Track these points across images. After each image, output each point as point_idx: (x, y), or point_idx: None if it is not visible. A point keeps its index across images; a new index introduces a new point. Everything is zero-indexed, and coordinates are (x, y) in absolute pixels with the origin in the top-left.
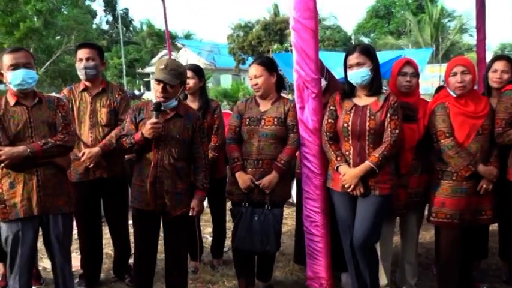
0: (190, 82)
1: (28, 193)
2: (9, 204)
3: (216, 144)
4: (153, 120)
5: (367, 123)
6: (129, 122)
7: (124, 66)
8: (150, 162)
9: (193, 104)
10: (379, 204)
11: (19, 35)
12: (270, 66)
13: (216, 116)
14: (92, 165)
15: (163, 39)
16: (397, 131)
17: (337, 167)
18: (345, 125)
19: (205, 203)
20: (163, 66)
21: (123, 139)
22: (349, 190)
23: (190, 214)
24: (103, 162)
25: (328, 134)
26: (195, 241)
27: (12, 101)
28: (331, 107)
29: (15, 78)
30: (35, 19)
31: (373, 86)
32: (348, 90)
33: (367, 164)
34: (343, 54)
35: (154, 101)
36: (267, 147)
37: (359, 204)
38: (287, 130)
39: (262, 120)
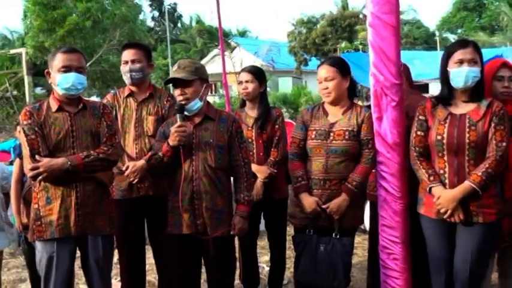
0: (249, 87)
1: (66, 211)
2: (45, 221)
3: (275, 159)
4: (177, 124)
5: (467, 135)
6: (157, 140)
7: (170, 68)
8: (185, 177)
9: (252, 112)
10: (485, 234)
11: (62, 32)
12: (343, 68)
13: (277, 126)
14: (136, 180)
15: (215, 37)
16: (503, 143)
17: (430, 189)
18: (439, 137)
19: (262, 226)
20: (175, 67)
21: (153, 158)
22: (445, 216)
23: (231, 233)
24: (149, 178)
25: (417, 149)
26: (250, 271)
27: (54, 106)
28: (421, 117)
29: (64, 82)
30: (82, 18)
31: (478, 91)
32: (447, 95)
33: (467, 184)
34: (422, 53)
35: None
36: (336, 165)
37: (459, 235)
38: (360, 145)
39: (331, 134)
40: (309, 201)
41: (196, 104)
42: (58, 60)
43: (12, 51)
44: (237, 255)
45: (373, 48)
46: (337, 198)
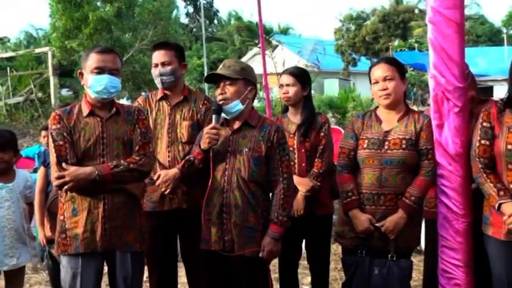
0: (290, 91)
1: (92, 224)
2: (70, 235)
3: (319, 170)
4: (211, 125)
5: None
6: (196, 145)
7: (206, 68)
8: (216, 188)
9: (294, 117)
10: None
11: (88, 30)
12: (401, 68)
13: (322, 134)
14: (168, 191)
15: (255, 34)
16: None
17: (500, 205)
18: (509, 147)
19: (303, 245)
20: (221, 66)
21: (186, 162)
22: None
23: (260, 255)
24: (182, 188)
25: (482, 160)
26: None
27: (86, 110)
28: (485, 124)
29: (96, 84)
30: (107, 9)
31: None
32: None
33: None
34: (485, 49)
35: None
36: (391, 178)
37: None
38: (419, 155)
39: (386, 142)
40: (361, 219)
41: (236, 106)
42: (91, 60)
43: (38, 50)
44: (276, 275)
45: (433, 47)
46: (393, 215)
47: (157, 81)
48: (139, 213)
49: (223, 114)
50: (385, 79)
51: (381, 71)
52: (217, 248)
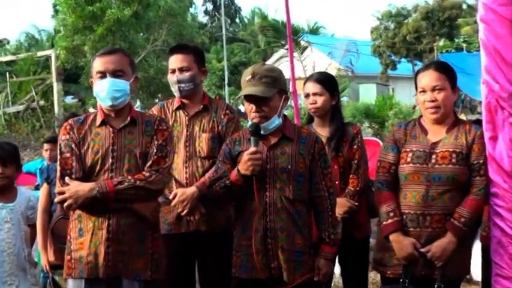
0: (318, 101)
1: (95, 247)
2: (76, 257)
3: (356, 188)
4: (251, 149)
5: None
6: (222, 160)
7: (226, 72)
8: (256, 211)
9: (322, 129)
10: None
11: (101, 30)
12: (453, 75)
13: (355, 146)
14: (185, 212)
15: (281, 34)
16: None
17: None
18: None
19: (337, 270)
20: (249, 76)
21: (216, 184)
22: None
23: (315, 279)
24: (201, 209)
25: None
26: None
27: (99, 119)
28: None
29: (99, 90)
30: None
31: None
32: None
33: None
34: None
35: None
36: (439, 196)
37: None
38: (470, 171)
39: (433, 156)
40: (403, 243)
41: (274, 122)
42: (95, 65)
43: (40, 54)
44: None
45: (485, 49)
46: (440, 239)
47: (175, 89)
48: (152, 237)
49: (262, 132)
50: (433, 89)
51: (429, 79)
52: (264, 276)
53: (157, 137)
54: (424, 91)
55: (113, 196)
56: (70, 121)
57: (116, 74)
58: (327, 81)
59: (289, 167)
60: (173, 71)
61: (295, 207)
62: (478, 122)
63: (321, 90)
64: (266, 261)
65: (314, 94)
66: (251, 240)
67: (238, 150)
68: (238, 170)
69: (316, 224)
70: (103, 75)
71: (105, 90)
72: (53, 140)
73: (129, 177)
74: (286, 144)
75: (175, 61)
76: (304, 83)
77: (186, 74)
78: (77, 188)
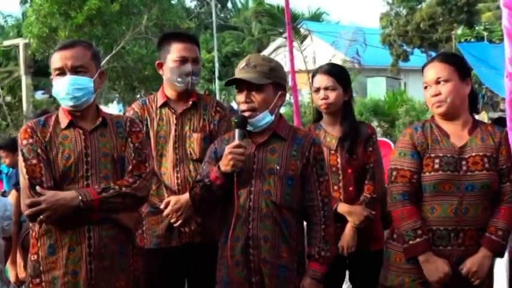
0: (331, 96)
1: (74, 264)
2: (47, 279)
3: (372, 195)
4: (234, 143)
5: None
6: (207, 161)
7: (217, 64)
8: (238, 216)
9: (333, 128)
10: None
11: (81, 20)
12: (462, 67)
13: (370, 149)
14: (179, 222)
15: (279, 21)
16: None
17: None
18: None
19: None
20: (243, 64)
21: (197, 186)
22: None
23: None
24: (197, 219)
25: None
26: None
27: (64, 121)
28: None
29: (57, 90)
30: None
31: None
32: None
33: None
34: None
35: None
36: (472, 208)
37: None
38: (500, 177)
39: (463, 162)
40: (437, 264)
41: (264, 118)
42: (53, 61)
43: (7, 43)
44: None
45: (510, 37)
46: (475, 255)
47: (180, 82)
48: (133, 251)
49: (248, 127)
50: (437, 82)
51: (432, 71)
52: None
53: (132, 139)
54: (428, 85)
55: (98, 205)
56: (29, 123)
57: (76, 70)
58: (339, 74)
59: (277, 167)
60: (184, 60)
61: (283, 214)
62: (500, 122)
63: (334, 84)
64: (246, 275)
65: (325, 88)
66: (232, 249)
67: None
68: (218, 166)
69: (307, 238)
70: (61, 72)
71: (64, 90)
72: (10, 146)
73: (112, 185)
74: (278, 144)
75: (186, 50)
76: (313, 76)
77: (198, 67)
78: (55, 197)
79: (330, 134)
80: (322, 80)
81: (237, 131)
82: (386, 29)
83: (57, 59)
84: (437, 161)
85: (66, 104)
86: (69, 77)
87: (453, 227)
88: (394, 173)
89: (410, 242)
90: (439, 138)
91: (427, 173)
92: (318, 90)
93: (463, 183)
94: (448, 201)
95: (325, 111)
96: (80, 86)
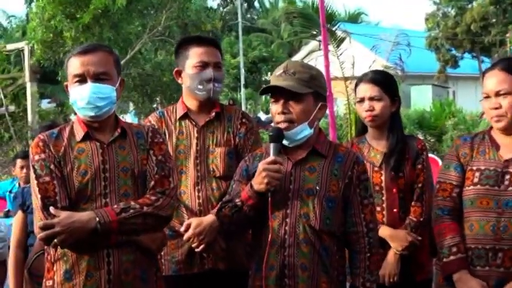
0: (376, 106)
1: None
2: None
3: (419, 219)
4: (269, 158)
5: None
6: (237, 180)
7: (243, 71)
8: (273, 242)
9: (378, 143)
10: None
11: (87, 19)
12: None
13: (420, 166)
14: (202, 247)
15: (312, 22)
16: None
17: None
18: None
19: None
20: (280, 71)
21: (226, 207)
22: None
23: None
24: (221, 243)
25: None
26: None
27: (80, 132)
28: None
29: (77, 98)
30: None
31: None
32: None
33: None
34: None
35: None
36: None
37: None
38: None
39: (507, 177)
40: (470, 285)
41: (303, 131)
42: (71, 66)
43: (10, 47)
44: None
45: None
46: None
47: (204, 89)
48: (157, 275)
49: (284, 141)
50: (498, 94)
51: (493, 82)
52: None
53: (154, 152)
54: (488, 96)
55: (117, 227)
56: (41, 136)
57: (98, 77)
58: (386, 83)
59: (317, 188)
60: (204, 65)
61: (322, 241)
62: None
63: (380, 94)
64: None
65: (370, 98)
66: (266, 278)
67: (258, 167)
68: (251, 184)
69: (350, 267)
70: (82, 79)
71: (85, 99)
72: (28, 155)
73: (133, 203)
74: (317, 162)
75: (207, 54)
76: (356, 85)
77: (220, 72)
78: (70, 219)
79: (374, 149)
80: (366, 90)
81: (272, 145)
82: (433, 31)
83: (77, 65)
84: (477, 174)
85: (85, 114)
86: (90, 85)
87: (491, 246)
88: (437, 186)
89: (445, 259)
90: (486, 150)
91: (467, 187)
92: (362, 100)
93: (502, 198)
94: (485, 217)
95: (370, 123)
96: (103, 94)
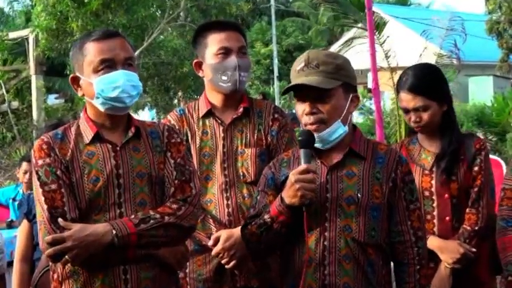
0: (423, 116)
1: None
2: None
3: (474, 228)
4: (301, 167)
5: None
6: (262, 190)
7: (276, 61)
8: (309, 259)
9: (430, 144)
10: None
11: (96, 4)
12: None
13: (477, 168)
14: (232, 263)
15: (353, 7)
16: None
17: None
18: None
19: None
20: (302, 64)
21: (252, 223)
22: None
23: None
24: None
25: None
26: None
27: (89, 133)
28: None
29: (109, 86)
30: None
31: None
32: None
33: None
34: None
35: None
36: None
37: None
38: None
39: None
40: None
41: (337, 130)
42: (91, 53)
43: (13, 35)
44: None
45: None
46: None
47: (228, 80)
48: None
49: (316, 145)
50: None
51: None
52: None
53: (172, 154)
54: None
55: (136, 240)
56: (44, 138)
57: (127, 63)
58: (430, 88)
59: (358, 195)
60: (227, 52)
61: (368, 255)
62: None
63: (424, 103)
64: None
65: (415, 110)
66: None
67: (286, 175)
68: (281, 198)
69: (397, 282)
70: (110, 65)
71: (120, 87)
72: None
73: (152, 212)
74: (356, 165)
75: (229, 39)
76: (398, 91)
77: (246, 59)
78: (83, 232)
79: (426, 150)
80: (408, 101)
81: (302, 152)
82: (494, 14)
83: (103, 49)
84: None
85: (114, 105)
86: (124, 72)
87: None
88: (502, 194)
89: (510, 278)
90: None
91: None
92: (407, 111)
93: None
94: None
95: (420, 131)
96: (134, 82)
